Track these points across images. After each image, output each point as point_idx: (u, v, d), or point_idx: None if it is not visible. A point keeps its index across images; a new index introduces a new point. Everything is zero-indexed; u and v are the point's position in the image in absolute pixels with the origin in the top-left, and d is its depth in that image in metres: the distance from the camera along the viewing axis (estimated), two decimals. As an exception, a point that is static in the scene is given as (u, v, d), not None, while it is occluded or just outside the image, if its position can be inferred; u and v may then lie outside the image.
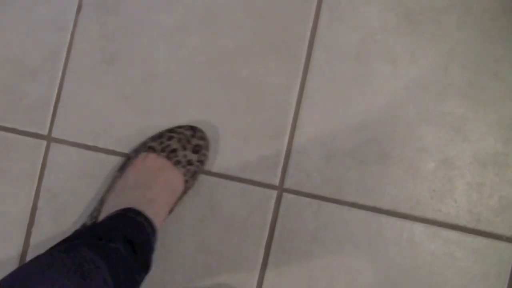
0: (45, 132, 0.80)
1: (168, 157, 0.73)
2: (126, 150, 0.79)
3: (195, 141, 0.75)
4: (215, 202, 0.78)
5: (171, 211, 0.74)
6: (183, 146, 0.74)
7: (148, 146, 0.74)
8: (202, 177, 0.78)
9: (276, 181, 0.77)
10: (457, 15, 0.78)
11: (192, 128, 0.75)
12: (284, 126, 0.78)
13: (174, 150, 0.73)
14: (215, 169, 0.78)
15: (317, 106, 0.78)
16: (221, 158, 0.78)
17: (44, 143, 0.80)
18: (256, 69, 0.79)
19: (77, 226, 0.78)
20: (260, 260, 0.77)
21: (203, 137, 0.76)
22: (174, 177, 0.72)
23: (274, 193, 0.77)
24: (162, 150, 0.73)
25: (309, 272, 0.76)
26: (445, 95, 0.77)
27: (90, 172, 0.79)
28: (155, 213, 0.67)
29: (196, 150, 0.74)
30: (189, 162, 0.73)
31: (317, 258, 0.76)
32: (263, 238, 0.77)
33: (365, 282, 0.76)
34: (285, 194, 0.77)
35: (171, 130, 0.75)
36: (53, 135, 0.80)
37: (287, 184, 0.77)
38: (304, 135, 0.78)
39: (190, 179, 0.74)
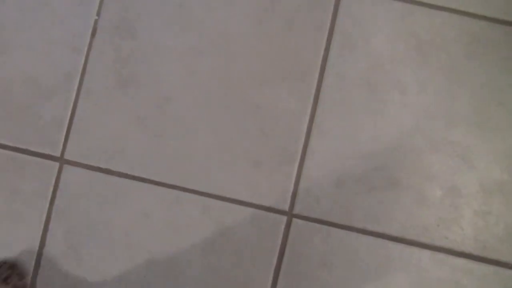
0: (58, 153, 0.80)
1: (2, 286, 0.74)
2: (138, 173, 0.79)
3: (18, 268, 0.76)
4: (225, 226, 0.78)
5: None
6: (12, 273, 0.76)
7: None
8: (213, 201, 0.79)
9: (286, 207, 0.78)
10: (464, 45, 0.79)
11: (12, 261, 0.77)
12: (294, 152, 0.79)
13: (5, 279, 0.74)
14: (226, 193, 0.79)
15: (328, 133, 0.79)
16: (232, 183, 0.79)
17: (57, 164, 0.80)
18: (268, 95, 0.80)
19: (88, 248, 0.78)
20: (269, 284, 0.77)
21: (23, 263, 0.77)
22: None
23: (284, 218, 0.78)
24: None
25: (317, 297, 0.77)
26: (453, 124, 0.78)
27: (102, 194, 0.79)
28: None
29: (23, 275, 0.76)
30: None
31: (325, 283, 0.77)
32: (273, 262, 0.77)
33: (372, 308, 0.77)
34: (294, 220, 0.78)
35: None
36: (66, 157, 0.80)
37: (296, 210, 0.78)
38: (314, 161, 0.78)
39: None
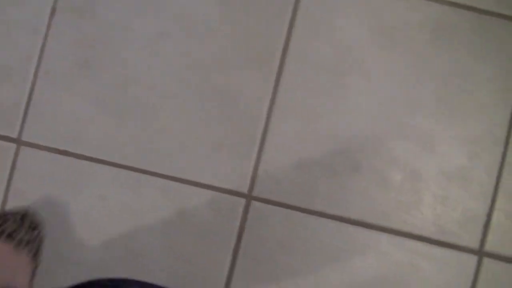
0: (15, 135, 0.79)
1: (7, 241, 0.70)
2: (96, 155, 0.79)
3: (28, 220, 0.73)
4: (184, 208, 0.78)
5: None
6: (19, 226, 0.72)
7: None
8: (172, 184, 0.79)
9: (245, 189, 0.78)
10: (429, 31, 0.79)
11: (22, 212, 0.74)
12: (255, 135, 0.79)
13: (10, 234, 0.71)
14: (186, 176, 0.78)
15: (289, 116, 0.79)
16: (192, 166, 0.78)
17: (14, 146, 0.79)
18: (230, 78, 0.79)
19: (46, 231, 0.78)
20: (227, 267, 0.78)
21: (35, 213, 0.75)
22: (20, 260, 0.69)
23: (243, 200, 0.78)
24: None
25: (276, 279, 0.77)
26: (415, 109, 0.79)
27: (60, 176, 0.79)
28: None
29: (33, 226, 0.73)
30: (29, 241, 0.71)
31: (284, 266, 0.77)
32: (231, 245, 0.78)
33: (331, 291, 0.77)
34: (253, 202, 0.78)
35: (2, 215, 0.74)
36: (23, 138, 0.79)
37: (255, 192, 0.78)
38: (274, 144, 0.79)
39: (35, 257, 0.71)
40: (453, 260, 0.77)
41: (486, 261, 0.77)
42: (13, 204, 0.79)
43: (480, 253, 0.77)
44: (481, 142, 0.78)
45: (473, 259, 0.77)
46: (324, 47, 0.79)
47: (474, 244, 0.77)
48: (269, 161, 0.78)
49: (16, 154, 0.79)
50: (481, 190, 0.78)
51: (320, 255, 0.77)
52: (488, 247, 0.77)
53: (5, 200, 0.79)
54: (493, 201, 0.78)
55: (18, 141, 0.79)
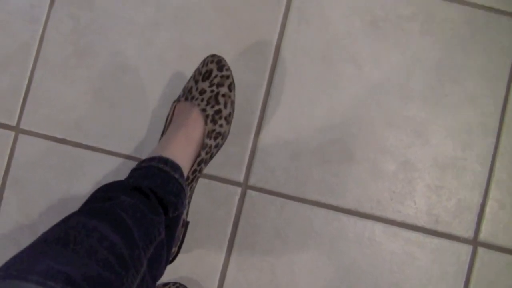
0: (13, 123, 0.80)
1: (186, 98, 0.71)
2: (94, 143, 0.79)
3: (204, 69, 0.72)
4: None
5: (200, 160, 0.68)
6: (196, 80, 0.72)
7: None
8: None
9: (240, 178, 0.79)
10: (420, 23, 0.81)
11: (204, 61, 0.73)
12: (250, 124, 0.79)
13: (190, 89, 0.72)
14: (181, 164, 0.79)
15: (283, 105, 0.80)
16: (188, 154, 0.79)
17: (13, 134, 0.80)
18: (225, 68, 0.80)
19: (43, 217, 0.78)
20: (224, 254, 0.78)
21: (213, 61, 0.72)
22: (190, 111, 0.69)
23: (239, 189, 0.79)
24: (183, 95, 0.72)
25: (271, 267, 0.78)
26: (407, 99, 0.80)
27: (57, 164, 0.79)
28: (172, 152, 0.63)
29: (206, 76, 0.71)
30: (202, 91, 0.70)
31: (279, 254, 0.78)
32: (227, 233, 0.78)
33: (326, 279, 0.77)
34: (249, 191, 0.79)
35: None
36: (22, 126, 0.80)
37: (251, 181, 0.79)
38: (269, 133, 0.79)
39: (208, 107, 0.69)
40: (448, 250, 0.78)
41: (480, 250, 0.78)
42: (11, 191, 0.79)
43: (475, 242, 0.78)
44: (474, 133, 0.79)
45: (467, 249, 0.78)
46: (318, 38, 0.81)
47: (469, 233, 0.78)
48: (265, 150, 0.79)
49: (14, 142, 0.80)
50: (474, 180, 0.79)
51: (315, 244, 0.78)
52: (482, 236, 0.78)
53: (3, 187, 0.79)
54: (487, 190, 0.78)
55: (16, 129, 0.80)
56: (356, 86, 0.80)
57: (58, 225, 0.49)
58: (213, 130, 0.68)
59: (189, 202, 0.69)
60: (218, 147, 0.71)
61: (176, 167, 0.61)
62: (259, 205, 0.78)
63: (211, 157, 0.71)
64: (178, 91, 0.80)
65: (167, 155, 0.62)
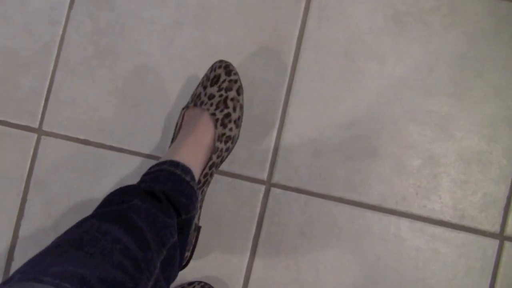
0: (36, 125, 0.80)
1: (195, 104, 0.72)
2: (117, 143, 0.79)
3: (212, 74, 0.73)
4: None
5: (211, 165, 0.68)
6: (204, 86, 0.73)
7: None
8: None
9: (264, 176, 0.78)
10: (442, 16, 0.80)
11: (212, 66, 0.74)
12: (272, 122, 0.79)
13: (198, 95, 0.73)
14: (204, 163, 0.79)
15: (305, 103, 0.79)
16: (210, 153, 0.79)
17: (35, 136, 0.80)
18: (247, 65, 0.80)
19: (67, 219, 0.79)
20: (248, 253, 0.78)
21: (221, 66, 0.73)
22: (200, 116, 0.70)
23: (262, 187, 0.78)
24: (192, 101, 0.73)
25: (296, 265, 0.77)
26: (431, 94, 0.79)
27: (80, 165, 0.79)
28: (182, 156, 0.64)
29: (214, 81, 0.72)
30: (210, 96, 0.71)
31: (304, 251, 0.77)
32: (251, 231, 0.78)
33: (351, 276, 0.77)
34: (273, 189, 0.78)
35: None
36: (44, 128, 0.80)
37: (275, 179, 0.78)
38: (292, 131, 0.79)
39: (217, 111, 0.69)
40: (474, 245, 0.77)
41: (507, 244, 0.77)
42: (35, 193, 0.79)
43: (501, 237, 0.77)
44: (499, 126, 0.78)
45: (494, 243, 0.77)
46: (339, 34, 0.80)
47: (495, 228, 0.77)
48: (288, 147, 0.79)
49: (37, 144, 0.80)
50: (500, 174, 0.78)
51: (339, 241, 0.77)
52: (509, 230, 0.77)
53: (26, 189, 0.79)
54: (513, 184, 0.77)
55: (39, 131, 0.80)
56: (378, 81, 0.79)
57: (72, 229, 0.50)
58: (223, 134, 0.69)
59: (200, 207, 0.69)
60: (228, 150, 0.72)
61: (187, 170, 0.62)
62: (283, 203, 0.78)
63: (222, 161, 0.72)
64: (200, 90, 0.80)
65: (178, 159, 0.63)
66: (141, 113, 0.80)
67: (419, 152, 0.78)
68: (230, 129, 0.70)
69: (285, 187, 0.78)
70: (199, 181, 0.67)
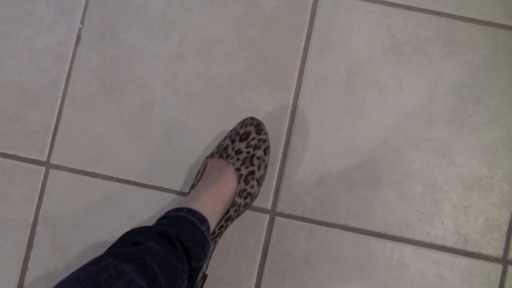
0: (44, 158, 0.82)
1: (221, 156, 0.73)
2: (123, 176, 0.81)
3: (242, 130, 0.75)
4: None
5: (228, 218, 0.70)
6: (232, 139, 0.75)
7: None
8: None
9: (268, 205, 0.80)
10: (441, 45, 0.81)
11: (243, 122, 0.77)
12: (276, 152, 0.80)
13: (226, 147, 0.74)
14: (210, 193, 0.80)
15: (308, 132, 0.81)
16: (215, 183, 0.80)
17: (43, 169, 0.81)
18: (250, 97, 0.81)
19: (76, 251, 0.80)
20: (254, 282, 0.78)
21: (252, 123, 0.75)
22: (224, 168, 0.71)
23: (267, 217, 0.79)
24: (218, 152, 0.75)
25: (302, 294, 0.78)
26: (431, 121, 0.80)
27: (88, 197, 0.81)
28: (201, 205, 0.65)
29: (244, 137, 0.74)
30: (238, 151, 0.73)
31: (309, 280, 0.78)
32: (257, 260, 0.79)
33: (357, 304, 0.78)
34: (277, 218, 0.79)
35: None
36: (52, 161, 0.82)
37: (279, 208, 0.79)
38: (295, 160, 0.80)
39: (242, 167, 0.71)
40: (478, 270, 0.78)
41: (511, 269, 0.77)
42: (44, 226, 0.81)
43: (505, 261, 0.78)
44: (499, 152, 0.79)
45: (497, 268, 0.78)
46: (340, 65, 0.82)
47: (498, 252, 0.78)
48: (291, 177, 0.80)
49: (45, 177, 0.81)
50: (501, 198, 0.79)
51: (344, 269, 0.78)
52: (512, 255, 0.78)
53: (35, 222, 0.81)
54: (514, 209, 0.78)
55: (47, 164, 0.82)
56: (379, 110, 0.81)
57: (89, 265, 0.51)
58: (244, 190, 0.71)
59: (210, 256, 0.70)
60: (246, 206, 0.73)
61: (203, 220, 0.63)
62: (288, 232, 0.79)
63: (238, 216, 0.73)
64: (205, 123, 0.81)
65: (197, 207, 0.64)
66: (147, 145, 0.81)
67: (421, 179, 0.79)
68: (252, 186, 0.72)
69: (290, 216, 0.79)
70: (214, 232, 0.68)
